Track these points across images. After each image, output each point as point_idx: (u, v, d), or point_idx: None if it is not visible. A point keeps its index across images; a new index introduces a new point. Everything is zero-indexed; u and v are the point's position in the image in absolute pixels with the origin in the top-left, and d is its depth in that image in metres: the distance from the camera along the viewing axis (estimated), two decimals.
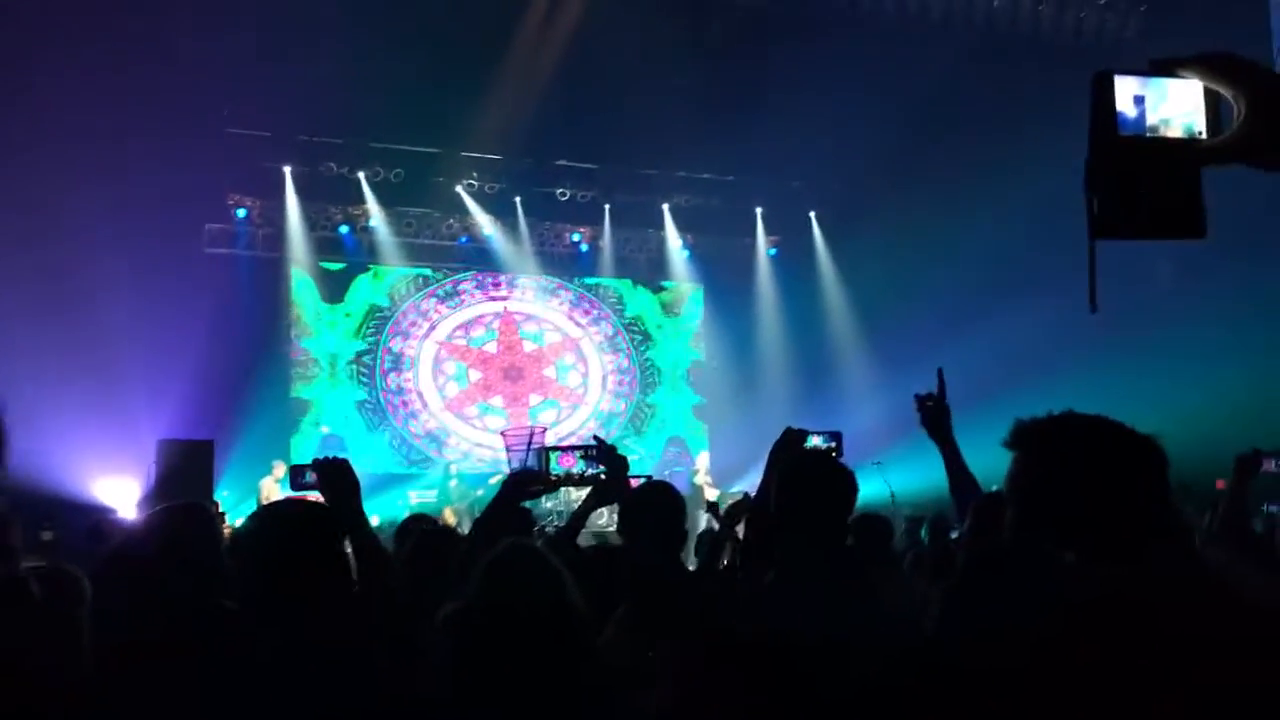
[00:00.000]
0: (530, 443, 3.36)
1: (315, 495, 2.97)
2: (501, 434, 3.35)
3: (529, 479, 3.35)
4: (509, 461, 3.42)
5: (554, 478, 3.40)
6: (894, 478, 13.90)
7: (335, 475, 2.84)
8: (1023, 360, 12.70)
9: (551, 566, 2.35)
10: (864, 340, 17.59)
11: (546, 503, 14.07)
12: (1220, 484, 4.63)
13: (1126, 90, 1.39)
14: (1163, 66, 1.41)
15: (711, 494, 14.04)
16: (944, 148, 14.64)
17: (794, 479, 2.82)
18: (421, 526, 4.17)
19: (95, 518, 4.78)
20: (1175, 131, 1.40)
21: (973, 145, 14.22)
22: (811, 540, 2.70)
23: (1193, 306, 13.47)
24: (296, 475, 3.34)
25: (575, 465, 3.44)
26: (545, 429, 3.36)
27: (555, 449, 3.45)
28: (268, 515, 2.76)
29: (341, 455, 2.99)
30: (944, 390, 3.38)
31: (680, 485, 16.01)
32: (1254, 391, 12.09)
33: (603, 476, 3.41)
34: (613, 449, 3.43)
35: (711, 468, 17.05)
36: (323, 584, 2.38)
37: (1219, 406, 11.54)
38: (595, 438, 3.51)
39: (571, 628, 2.27)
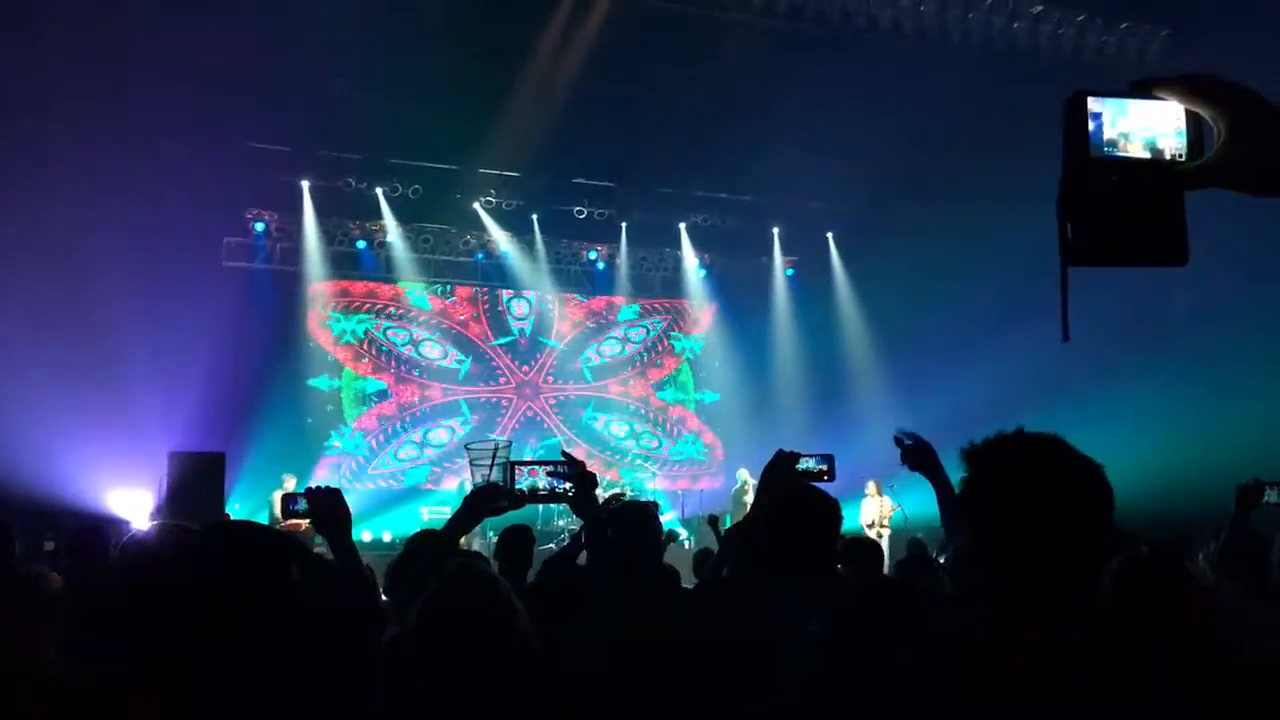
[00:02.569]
0: (494, 457, 3.29)
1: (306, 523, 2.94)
2: (465, 448, 3.29)
3: (492, 494, 3.27)
4: (471, 476, 3.34)
5: (518, 493, 3.33)
6: (908, 499, 13.83)
7: (326, 505, 2.81)
8: (1041, 381, 12.59)
9: (499, 594, 2.28)
10: (881, 360, 17.52)
11: (559, 520, 14.02)
12: None
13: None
14: (1142, 87, 1.36)
15: None
16: (962, 168, 14.59)
17: (777, 511, 2.78)
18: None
19: (79, 531, 4.71)
20: (1136, 147, 1.34)
21: (991, 165, 14.15)
22: (795, 568, 2.65)
23: (1212, 331, 13.34)
24: (288, 503, 3.31)
25: (540, 480, 3.37)
26: (510, 443, 3.28)
27: (521, 464, 3.38)
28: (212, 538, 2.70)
29: (338, 481, 2.96)
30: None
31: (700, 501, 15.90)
32: (1272, 420, 11.96)
33: (570, 493, 3.34)
34: (581, 465, 3.35)
35: (726, 487, 16.98)
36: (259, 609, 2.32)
37: (1234, 434, 11.41)
38: (564, 453, 3.44)
39: (513, 656, 2.20)
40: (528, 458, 3.29)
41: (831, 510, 2.81)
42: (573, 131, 14.95)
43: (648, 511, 3.52)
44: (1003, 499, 1.71)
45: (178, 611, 2.32)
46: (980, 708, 1.44)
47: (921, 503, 13.70)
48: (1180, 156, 1.34)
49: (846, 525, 10.80)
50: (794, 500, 2.88)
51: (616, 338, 18.78)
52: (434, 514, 15.28)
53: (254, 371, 14.78)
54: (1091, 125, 1.32)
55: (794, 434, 14.43)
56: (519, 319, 18.20)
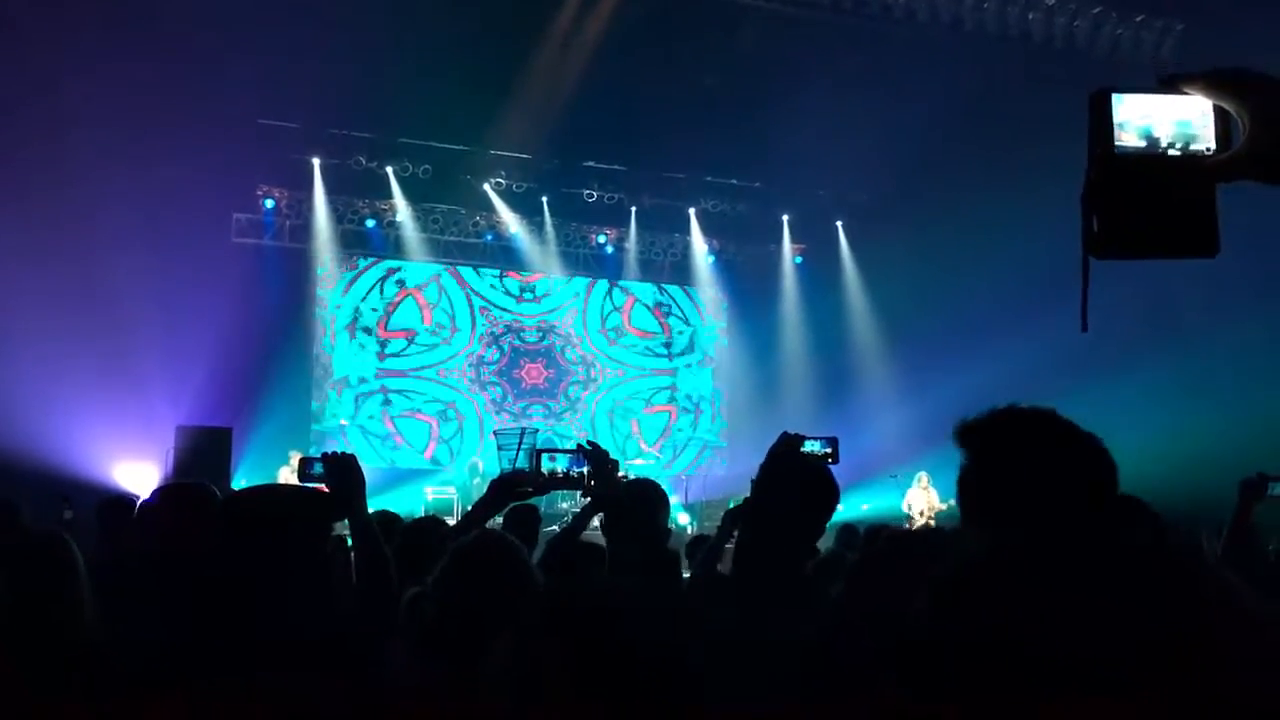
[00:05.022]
0: (521, 443, 3.34)
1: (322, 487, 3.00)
2: (494, 434, 3.37)
3: (519, 479, 3.33)
4: (500, 461, 3.40)
5: (542, 477, 3.38)
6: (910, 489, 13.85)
7: (342, 469, 2.85)
8: (1048, 371, 12.59)
9: (518, 556, 2.34)
10: (888, 350, 17.52)
11: (563, 503, 14.07)
12: None
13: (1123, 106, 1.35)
14: (1169, 83, 1.37)
15: None
16: (972, 158, 14.56)
17: (775, 480, 2.78)
18: (396, 526, 4.14)
19: (109, 498, 4.79)
20: (1162, 143, 1.35)
21: (1001, 156, 14.13)
22: (777, 541, 2.66)
23: (1222, 324, 13.32)
24: (305, 467, 3.36)
25: (562, 465, 3.42)
26: (537, 430, 3.35)
27: (546, 451, 3.44)
28: (261, 493, 2.75)
29: (351, 450, 3.00)
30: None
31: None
32: (1275, 416, 11.96)
33: (588, 476, 3.39)
34: (605, 452, 3.41)
35: (731, 473, 17.01)
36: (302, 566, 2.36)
37: (1239, 429, 11.40)
38: (588, 441, 3.50)
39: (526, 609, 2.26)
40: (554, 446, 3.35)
41: (829, 478, 2.81)
42: (584, 114, 14.94)
43: (650, 489, 3.58)
44: (998, 468, 1.74)
45: (207, 570, 2.37)
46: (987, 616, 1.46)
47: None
48: (1208, 150, 1.34)
49: (892, 509, 10.82)
50: (796, 463, 2.90)
51: (622, 322, 18.78)
52: (437, 494, 15.34)
53: (262, 347, 14.83)
54: (1116, 121, 1.33)
55: (801, 421, 14.39)
56: (530, 300, 18.20)
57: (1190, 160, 1.34)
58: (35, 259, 12.33)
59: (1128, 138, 1.33)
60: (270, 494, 2.68)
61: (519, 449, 3.33)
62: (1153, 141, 1.33)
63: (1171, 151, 1.33)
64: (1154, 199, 1.33)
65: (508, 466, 3.35)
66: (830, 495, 2.74)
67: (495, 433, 3.41)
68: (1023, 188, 13.78)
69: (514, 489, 3.35)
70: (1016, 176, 13.89)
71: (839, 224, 18.78)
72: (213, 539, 2.78)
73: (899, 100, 13.96)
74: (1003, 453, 1.76)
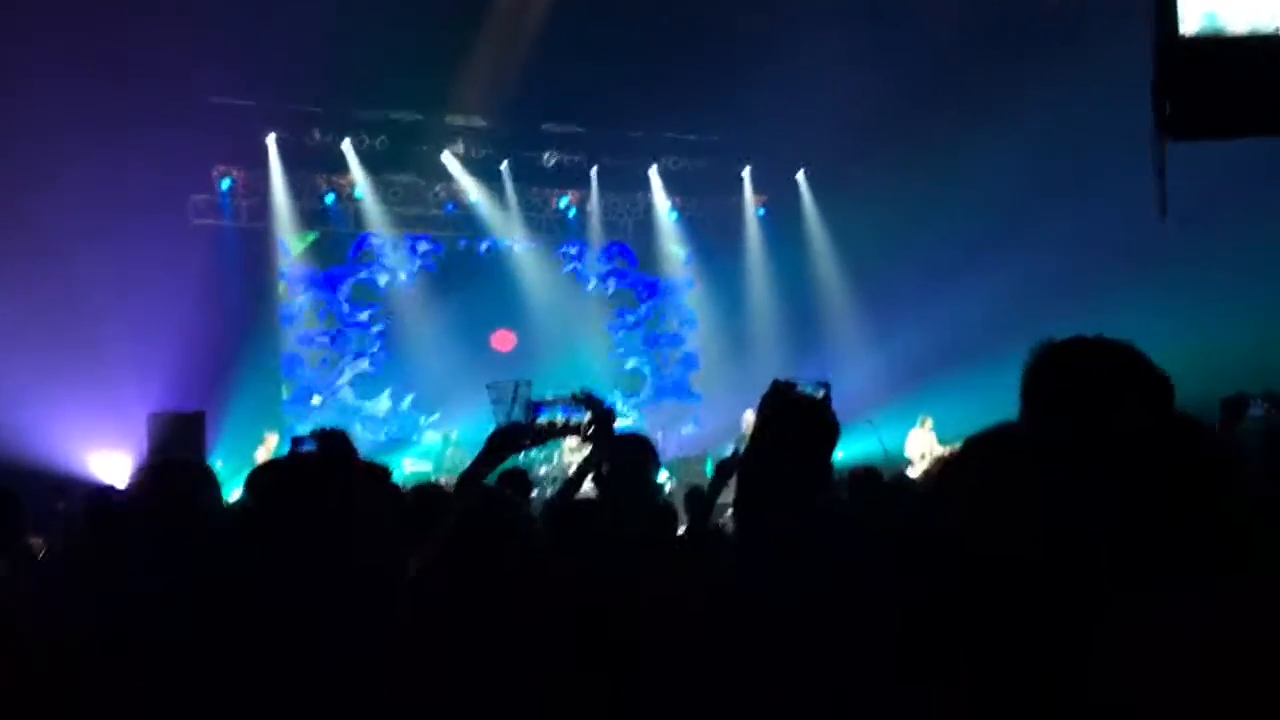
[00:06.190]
0: (515, 395, 3.30)
1: None
2: (487, 387, 3.29)
3: (515, 433, 3.29)
4: (494, 415, 3.35)
5: (539, 428, 3.35)
6: (886, 434, 13.97)
7: (334, 445, 2.86)
8: (1010, 316, 12.69)
9: (522, 514, 2.36)
10: (854, 298, 17.59)
11: (541, 469, 14.09)
12: None
13: None
14: None
15: None
16: (933, 104, 14.57)
17: (773, 416, 2.80)
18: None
19: (91, 493, 4.78)
20: (1232, 22, 1.34)
21: (962, 101, 14.16)
22: (783, 479, 2.66)
23: (1201, 244, 13.28)
24: (296, 444, 3.34)
25: (559, 415, 3.39)
26: (530, 381, 3.27)
27: (540, 402, 3.41)
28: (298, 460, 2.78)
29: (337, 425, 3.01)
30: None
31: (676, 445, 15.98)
32: (1260, 335, 12.04)
33: (586, 425, 3.36)
34: (600, 400, 3.38)
35: (706, 430, 17.11)
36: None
37: (1218, 352, 11.45)
38: (583, 389, 3.45)
39: (538, 574, 2.28)
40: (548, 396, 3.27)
41: (826, 407, 2.83)
42: (540, 76, 14.80)
43: (642, 445, 3.59)
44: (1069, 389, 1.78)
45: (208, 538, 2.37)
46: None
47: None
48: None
49: (868, 455, 10.78)
50: (793, 397, 2.94)
51: (592, 281, 18.74)
52: (416, 467, 15.32)
53: (229, 329, 14.69)
54: (1181, 4, 1.31)
55: (774, 373, 14.48)
56: (496, 268, 18.03)
57: (1263, 41, 1.32)
58: None
59: (1195, 20, 1.30)
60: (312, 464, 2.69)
61: (513, 401, 3.29)
62: (1221, 21, 1.31)
63: (1240, 32, 1.31)
64: (1231, 79, 1.31)
65: (502, 420, 3.30)
66: (828, 425, 2.76)
67: (487, 386, 3.31)
68: (983, 132, 13.82)
69: (511, 443, 3.30)
70: (977, 121, 13.92)
71: (800, 173, 18.77)
72: (211, 511, 2.80)
73: (858, 46, 13.93)
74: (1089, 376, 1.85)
